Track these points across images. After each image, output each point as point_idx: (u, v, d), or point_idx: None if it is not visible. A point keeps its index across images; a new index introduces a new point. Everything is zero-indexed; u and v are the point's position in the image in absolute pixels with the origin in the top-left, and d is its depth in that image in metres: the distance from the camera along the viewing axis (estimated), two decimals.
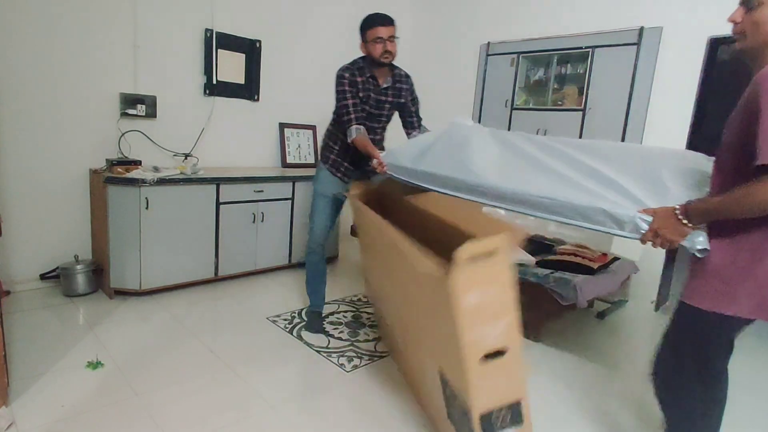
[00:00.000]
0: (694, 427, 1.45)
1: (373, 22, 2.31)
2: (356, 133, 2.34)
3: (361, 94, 2.40)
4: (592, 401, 2.16)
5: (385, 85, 2.47)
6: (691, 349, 1.39)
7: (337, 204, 2.62)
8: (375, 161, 2.22)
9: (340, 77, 2.38)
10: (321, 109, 4.28)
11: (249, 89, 3.74)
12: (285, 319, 2.78)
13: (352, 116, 2.35)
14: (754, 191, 1.14)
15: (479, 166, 1.75)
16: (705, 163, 1.57)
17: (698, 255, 1.30)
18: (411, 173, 2.00)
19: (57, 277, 2.92)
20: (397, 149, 2.20)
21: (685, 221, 1.28)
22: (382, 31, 2.29)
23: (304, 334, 2.61)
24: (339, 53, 4.33)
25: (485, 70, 4.23)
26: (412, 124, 2.63)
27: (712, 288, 1.29)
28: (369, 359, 2.37)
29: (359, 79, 2.40)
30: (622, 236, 1.39)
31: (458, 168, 1.80)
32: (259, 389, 2.04)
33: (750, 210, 1.17)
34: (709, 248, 1.28)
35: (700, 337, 1.37)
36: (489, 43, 4.16)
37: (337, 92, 2.38)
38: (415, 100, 2.69)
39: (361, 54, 2.42)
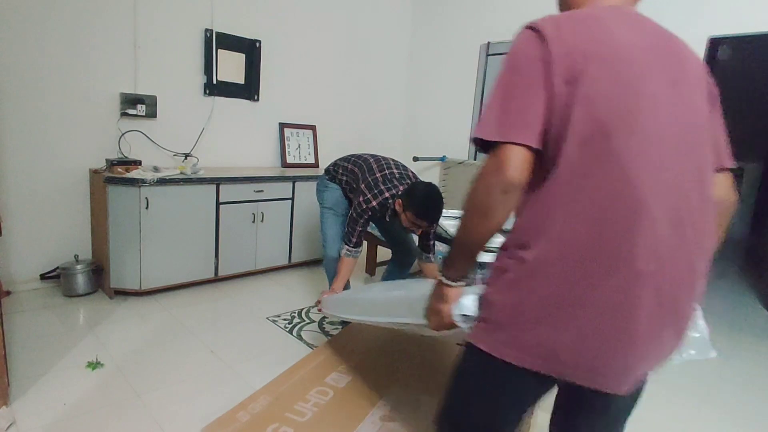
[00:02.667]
0: None
1: (426, 215, 2.18)
2: (347, 255, 2.35)
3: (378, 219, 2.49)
4: None
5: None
6: (479, 400, 1.02)
7: (347, 212, 2.61)
8: (322, 296, 2.27)
9: (366, 209, 2.31)
10: (321, 109, 4.29)
11: (249, 89, 3.74)
12: (285, 319, 2.78)
13: (353, 239, 2.34)
14: (472, 189, 0.89)
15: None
16: None
17: (462, 326, 0.99)
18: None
19: (57, 277, 2.93)
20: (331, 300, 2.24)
21: (447, 281, 0.99)
22: (425, 225, 2.25)
23: (304, 333, 2.61)
24: (339, 53, 4.35)
25: (485, 70, 4.23)
26: (428, 248, 2.54)
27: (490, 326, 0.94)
28: None
29: (378, 216, 2.40)
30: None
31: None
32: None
33: (472, 218, 0.90)
34: (475, 314, 0.96)
35: (487, 387, 0.99)
36: (489, 43, 4.16)
37: (358, 213, 2.33)
38: (432, 234, 2.54)
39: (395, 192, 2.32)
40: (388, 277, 2.89)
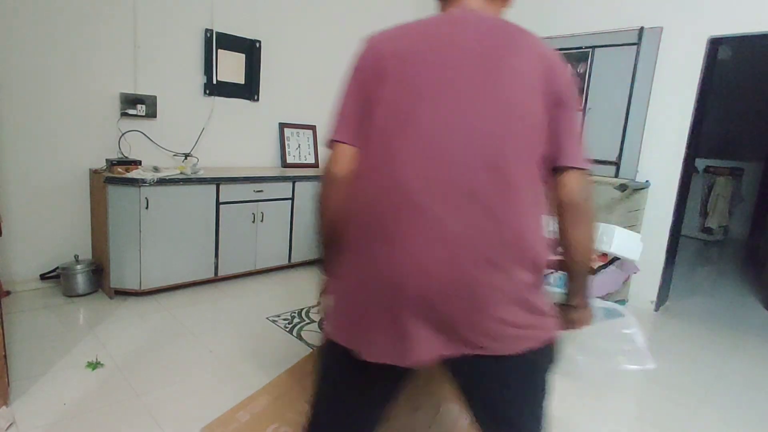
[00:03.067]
0: None
1: None
2: None
3: None
4: (591, 401, 2.16)
5: None
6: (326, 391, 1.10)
7: None
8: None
9: None
10: (321, 109, 4.29)
11: (249, 89, 3.74)
12: (285, 319, 2.78)
13: None
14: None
15: None
16: None
17: None
18: None
19: (57, 277, 2.92)
20: None
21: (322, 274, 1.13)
22: None
23: (304, 333, 2.61)
24: (339, 53, 4.34)
25: None
26: None
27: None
28: None
29: None
30: None
31: None
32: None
33: (316, 208, 1.03)
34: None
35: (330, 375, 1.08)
36: None
37: None
38: None
39: None
40: None
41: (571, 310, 1.14)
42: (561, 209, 1.01)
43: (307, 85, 4.13)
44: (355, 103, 1.00)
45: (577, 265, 1.08)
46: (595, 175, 3.46)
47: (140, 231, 2.80)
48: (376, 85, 0.97)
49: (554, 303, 1.09)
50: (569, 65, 3.72)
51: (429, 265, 0.89)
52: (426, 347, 0.91)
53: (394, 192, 0.91)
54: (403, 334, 0.91)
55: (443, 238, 0.89)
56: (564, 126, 0.98)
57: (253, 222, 3.35)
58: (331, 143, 1.01)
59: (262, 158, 3.94)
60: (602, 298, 3.09)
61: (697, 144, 3.27)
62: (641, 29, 3.26)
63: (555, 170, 1.00)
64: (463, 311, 0.90)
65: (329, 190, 1.00)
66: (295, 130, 4.10)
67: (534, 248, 0.94)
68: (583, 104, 3.59)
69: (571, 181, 0.99)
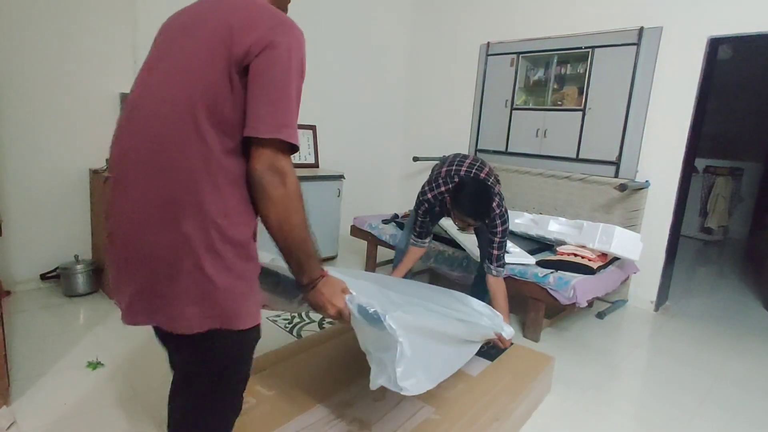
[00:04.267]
0: None
1: (469, 212, 2.14)
2: (412, 244, 2.47)
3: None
4: (592, 402, 2.16)
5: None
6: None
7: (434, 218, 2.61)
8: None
9: (421, 200, 2.37)
10: (321, 109, 4.29)
11: None
12: (285, 319, 2.78)
13: (416, 229, 2.44)
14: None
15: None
16: None
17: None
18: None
19: (57, 277, 2.93)
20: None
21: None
22: (471, 222, 2.19)
23: (305, 333, 2.61)
24: (339, 53, 4.35)
25: (485, 70, 4.23)
26: (489, 256, 2.34)
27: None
28: None
29: (437, 210, 2.41)
30: None
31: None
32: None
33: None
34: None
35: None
36: (489, 43, 4.16)
37: (416, 204, 2.42)
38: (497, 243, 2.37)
39: None
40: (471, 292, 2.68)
41: (303, 290, 1.10)
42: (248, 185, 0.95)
43: (307, 85, 4.10)
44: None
45: (278, 244, 1.01)
46: (594, 175, 3.46)
47: None
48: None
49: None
50: (568, 65, 3.72)
51: None
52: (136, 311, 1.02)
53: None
54: None
55: None
56: (252, 91, 0.91)
57: None
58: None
59: None
60: (602, 297, 3.10)
61: (696, 144, 3.28)
62: (641, 29, 3.26)
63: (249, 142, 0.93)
64: None
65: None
66: None
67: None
68: (583, 104, 3.59)
69: (253, 154, 0.93)
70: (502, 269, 2.32)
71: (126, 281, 0.98)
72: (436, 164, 2.69)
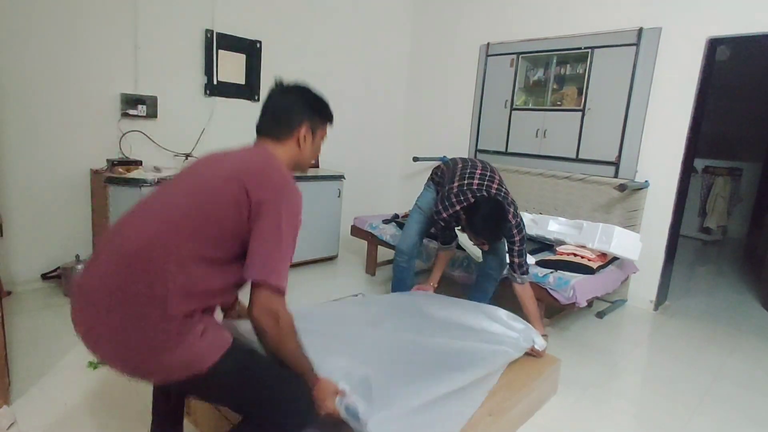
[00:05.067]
0: None
1: (483, 234, 2.17)
2: (439, 249, 2.54)
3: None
4: (592, 401, 2.16)
5: None
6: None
7: (431, 223, 2.64)
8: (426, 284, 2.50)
9: (437, 220, 2.38)
10: None
11: (249, 90, 3.75)
12: None
13: (439, 239, 2.50)
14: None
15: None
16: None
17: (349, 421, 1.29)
18: None
19: (58, 277, 2.93)
20: None
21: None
22: (483, 243, 2.23)
23: None
24: (339, 53, 4.35)
25: (485, 71, 4.24)
26: (513, 266, 2.33)
27: None
28: None
29: (453, 225, 2.44)
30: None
31: None
32: None
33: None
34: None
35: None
36: (489, 43, 4.17)
37: (434, 220, 2.44)
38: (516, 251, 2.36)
39: None
40: (470, 296, 2.68)
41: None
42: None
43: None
44: None
45: (277, 358, 1.18)
46: (594, 175, 3.47)
47: None
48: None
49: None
50: (567, 66, 3.73)
51: None
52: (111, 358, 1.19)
53: None
54: None
55: None
56: (252, 243, 1.11)
57: None
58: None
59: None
60: (602, 297, 3.11)
61: (696, 144, 3.28)
62: (640, 30, 3.26)
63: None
64: None
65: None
66: None
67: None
68: (582, 104, 3.60)
69: (251, 296, 1.12)
70: (526, 276, 2.32)
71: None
72: (439, 166, 2.68)
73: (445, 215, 2.29)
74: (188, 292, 1.07)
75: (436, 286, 2.52)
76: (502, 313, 2.13)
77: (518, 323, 2.07)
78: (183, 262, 1.06)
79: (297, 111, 1.31)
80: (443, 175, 2.56)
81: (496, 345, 1.90)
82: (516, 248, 2.28)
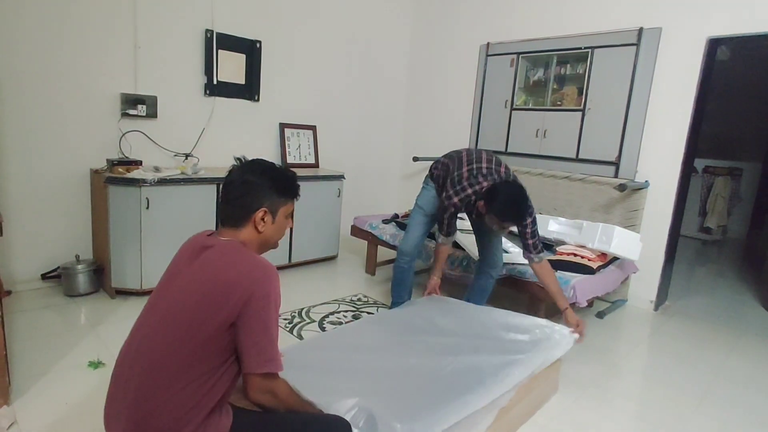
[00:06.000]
0: None
1: (510, 217, 2.16)
2: (441, 242, 2.46)
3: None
4: (592, 401, 2.16)
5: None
6: None
7: (432, 222, 2.63)
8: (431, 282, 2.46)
9: (448, 205, 2.34)
10: (321, 109, 4.30)
11: (249, 89, 3.75)
12: (285, 319, 2.79)
13: (444, 229, 2.42)
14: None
15: None
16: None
17: None
18: None
19: (58, 277, 2.93)
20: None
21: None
22: (510, 226, 2.22)
23: (305, 333, 2.62)
24: (339, 53, 4.35)
25: (485, 71, 4.24)
26: (529, 248, 2.34)
27: None
28: None
29: (464, 210, 2.41)
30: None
31: None
32: None
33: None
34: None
35: None
36: (489, 43, 4.17)
37: (443, 208, 2.38)
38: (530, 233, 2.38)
39: None
40: (469, 295, 2.72)
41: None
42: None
43: (307, 86, 4.13)
44: None
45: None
46: (594, 175, 3.47)
47: (141, 231, 2.81)
48: None
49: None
50: (567, 65, 3.73)
51: None
52: None
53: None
54: None
55: None
56: (239, 336, 1.14)
57: None
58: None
59: (262, 158, 3.94)
60: (602, 297, 3.11)
61: (696, 144, 3.28)
62: (640, 30, 3.26)
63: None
64: None
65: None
66: (295, 130, 4.11)
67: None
68: (583, 104, 3.59)
69: (248, 383, 1.16)
70: (542, 254, 2.33)
71: None
72: (439, 161, 2.62)
73: (456, 200, 2.28)
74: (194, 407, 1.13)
75: (439, 281, 2.53)
76: (526, 320, 2.13)
77: (541, 330, 2.07)
78: (182, 389, 1.11)
79: (254, 195, 1.30)
80: (445, 167, 2.51)
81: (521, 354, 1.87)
82: (529, 230, 2.29)
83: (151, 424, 1.10)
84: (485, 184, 2.25)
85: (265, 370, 1.14)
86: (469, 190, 2.26)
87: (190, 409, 1.10)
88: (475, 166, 2.33)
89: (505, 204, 2.12)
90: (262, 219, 1.30)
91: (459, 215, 2.44)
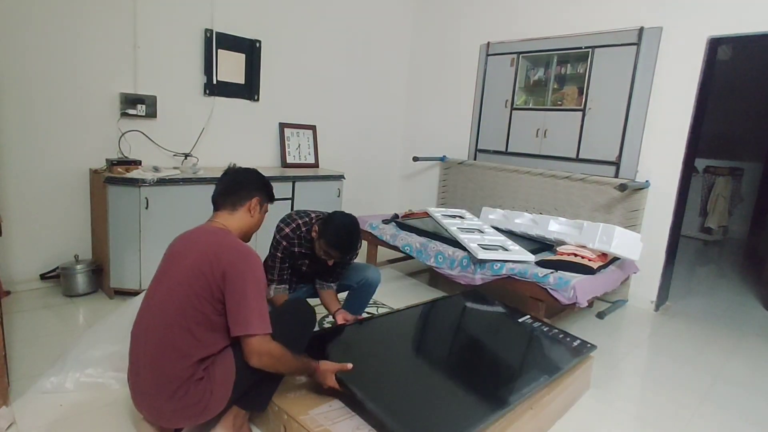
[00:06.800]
0: None
1: (339, 245, 2.06)
2: (276, 292, 2.22)
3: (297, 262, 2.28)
4: (592, 401, 2.16)
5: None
6: None
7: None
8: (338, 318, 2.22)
9: (279, 239, 2.19)
10: (321, 109, 4.29)
11: (249, 89, 3.74)
12: None
13: (276, 276, 2.22)
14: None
15: None
16: None
17: None
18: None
19: (57, 277, 2.93)
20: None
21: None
22: (336, 257, 2.10)
23: None
24: (339, 53, 4.35)
25: (485, 70, 4.23)
26: (336, 276, 2.36)
27: None
28: None
29: (296, 250, 2.22)
30: None
31: None
32: None
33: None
34: None
35: None
36: (489, 43, 4.16)
37: (273, 247, 2.22)
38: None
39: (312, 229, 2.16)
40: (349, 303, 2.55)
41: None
42: None
43: (307, 85, 4.13)
44: None
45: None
46: (594, 175, 3.46)
47: (140, 231, 2.81)
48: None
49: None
50: (568, 65, 3.72)
51: None
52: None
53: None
54: None
55: None
56: (230, 300, 1.39)
57: None
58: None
59: (262, 158, 3.94)
60: (602, 297, 3.10)
61: (696, 144, 3.28)
62: (641, 29, 3.26)
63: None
64: None
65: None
66: (295, 130, 4.11)
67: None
68: (583, 104, 3.59)
69: (243, 347, 1.39)
70: (333, 285, 2.38)
71: None
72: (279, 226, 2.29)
73: (287, 230, 2.16)
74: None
75: (343, 312, 2.26)
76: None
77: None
78: (188, 353, 1.40)
79: (249, 186, 1.65)
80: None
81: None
82: (346, 268, 2.37)
83: (166, 372, 1.41)
84: (313, 216, 2.21)
85: (249, 330, 1.36)
86: (299, 221, 2.18)
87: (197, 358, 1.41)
88: (302, 210, 2.28)
89: (338, 229, 2.05)
90: (257, 205, 1.65)
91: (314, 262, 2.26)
